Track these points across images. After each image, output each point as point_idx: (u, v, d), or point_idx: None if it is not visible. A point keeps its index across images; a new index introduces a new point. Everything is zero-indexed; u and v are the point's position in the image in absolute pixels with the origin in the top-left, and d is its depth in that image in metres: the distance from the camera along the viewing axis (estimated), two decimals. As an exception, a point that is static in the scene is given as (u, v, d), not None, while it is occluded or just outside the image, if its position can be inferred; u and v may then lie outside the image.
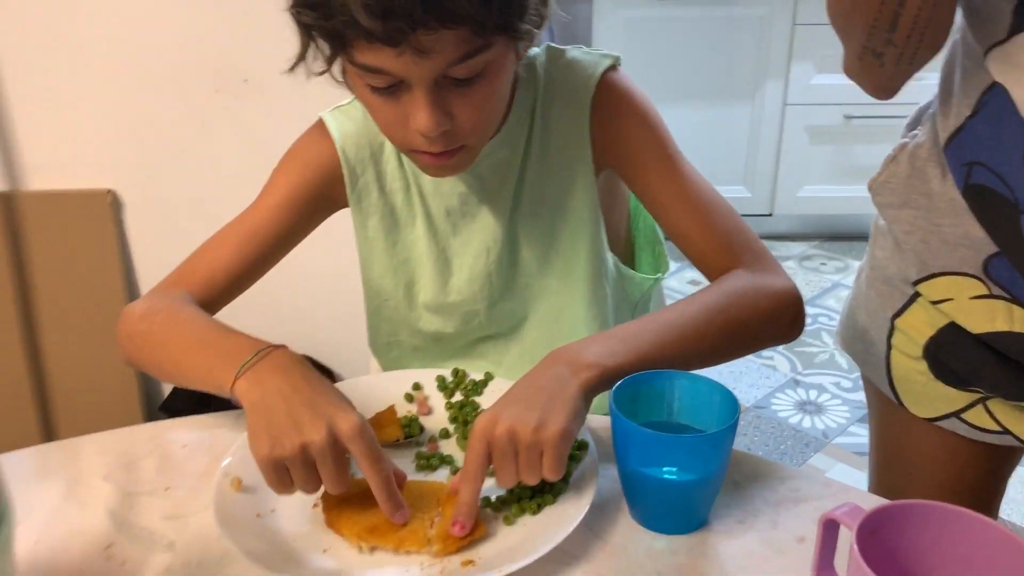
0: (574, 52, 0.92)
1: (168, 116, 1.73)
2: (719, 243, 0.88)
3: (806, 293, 2.99)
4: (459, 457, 0.79)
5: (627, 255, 1.07)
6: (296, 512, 0.72)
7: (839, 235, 3.39)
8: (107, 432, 0.83)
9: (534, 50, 0.92)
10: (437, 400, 0.86)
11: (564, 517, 0.69)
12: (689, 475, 0.66)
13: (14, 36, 1.66)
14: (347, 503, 0.71)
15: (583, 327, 0.97)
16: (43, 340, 1.84)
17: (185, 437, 0.83)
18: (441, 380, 0.88)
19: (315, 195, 0.92)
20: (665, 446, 0.66)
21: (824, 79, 3.08)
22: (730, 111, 3.17)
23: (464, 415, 0.83)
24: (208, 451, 0.81)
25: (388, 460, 0.70)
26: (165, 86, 1.70)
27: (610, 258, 0.98)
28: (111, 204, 1.77)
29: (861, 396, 2.41)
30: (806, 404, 2.40)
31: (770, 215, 3.31)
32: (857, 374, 2.52)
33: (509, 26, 0.74)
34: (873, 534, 0.53)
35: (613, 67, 0.91)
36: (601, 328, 0.97)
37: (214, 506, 0.69)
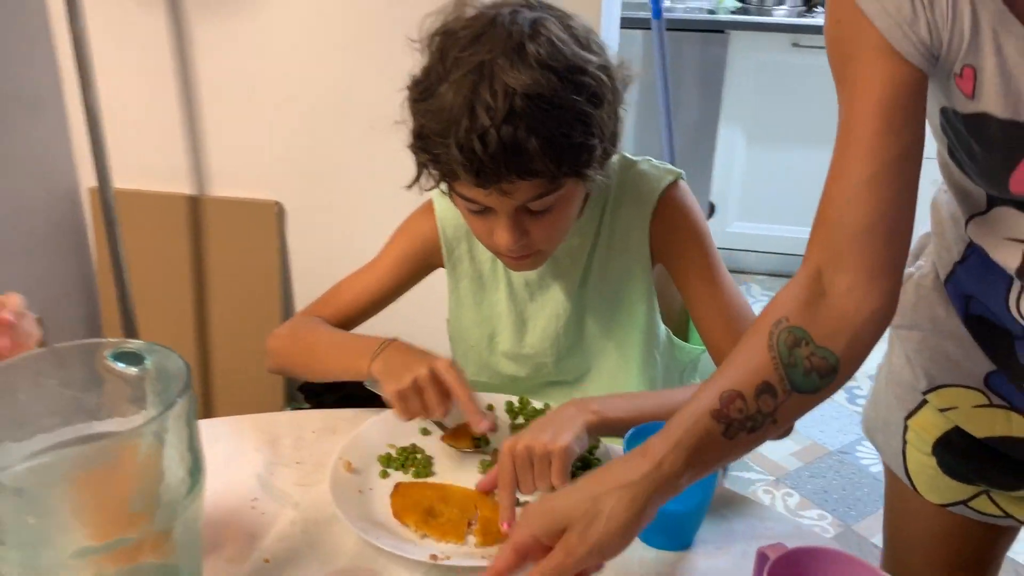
0: (644, 165, 1.12)
1: (330, 144, 2.03)
2: (728, 328, 1.07)
3: (913, 345, 3.03)
4: (514, 467, 1.02)
5: (680, 328, 1.27)
6: (385, 494, 0.97)
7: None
8: (262, 415, 1.11)
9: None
10: (504, 421, 1.10)
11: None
12: (677, 505, 0.86)
13: (212, 71, 2.00)
14: (410, 499, 0.94)
15: (634, 385, 1.18)
16: (211, 325, 2.19)
17: (315, 424, 1.10)
18: (509, 405, 1.11)
19: (418, 261, 1.19)
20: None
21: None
22: (857, 159, 3.23)
23: (523, 435, 1.06)
24: (330, 437, 1.07)
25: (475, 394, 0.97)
26: (330, 119, 2.01)
27: (663, 330, 1.19)
28: (277, 214, 2.09)
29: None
30: (890, 454, 2.48)
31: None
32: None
33: (577, 174, 0.95)
34: (789, 569, 0.72)
35: (675, 182, 1.11)
36: (649, 387, 1.18)
37: (329, 480, 0.95)
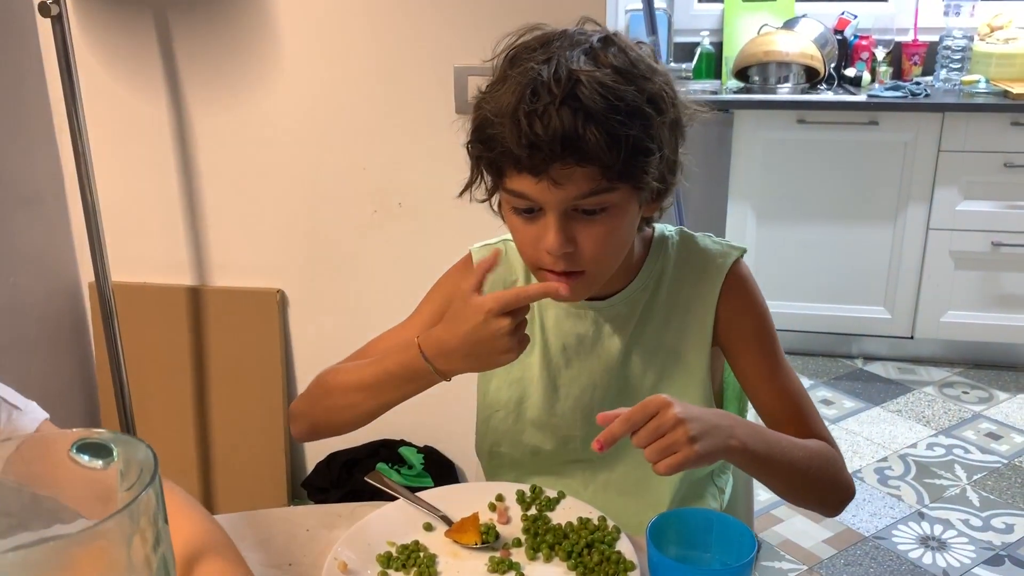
0: (706, 240, 1.09)
1: (333, 230, 2.00)
2: (798, 414, 1.04)
3: (944, 422, 2.92)
4: (527, 565, 0.93)
5: (717, 403, 1.20)
6: (386, 596, 0.88)
7: (984, 363, 3.29)
8: (258, 511, 1.03)
9: (668, 229, 1.09)
10: (515, 512, 1.01)
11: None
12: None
13: (213, 161, 1.99)
14: None
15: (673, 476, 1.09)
16: (211, 417, 2.12)
17: (310, 521, 1.02)
18: (520, 494, 1.02)
19: None
20: (683, 574, 0.78)
21: (970, 205, 3.06)
22: (871, 232, 3.19)
23: (536, 528, 0.97)
24: (326, 535, 0.99)
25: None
26: (331, 205, 1.98)
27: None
28: (279, 302, 2.04)
29: (989, 536, 2.34)
30: (929, 539, 2.35)
31: (911, 338, 3.27)
32: (988, 512, 2.44)
33: (632, 175, 0.91)
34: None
35: (740, 259, 1.07)
36: (687, 479, 1.10)
37: (322, 583, 0.86)
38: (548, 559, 0.94)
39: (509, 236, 1.12)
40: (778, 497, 1.10)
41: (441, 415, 2.07)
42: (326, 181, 1.96)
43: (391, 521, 0.98)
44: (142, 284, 2.06)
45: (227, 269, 2.05)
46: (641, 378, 1.08)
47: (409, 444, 2.07)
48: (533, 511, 1.00)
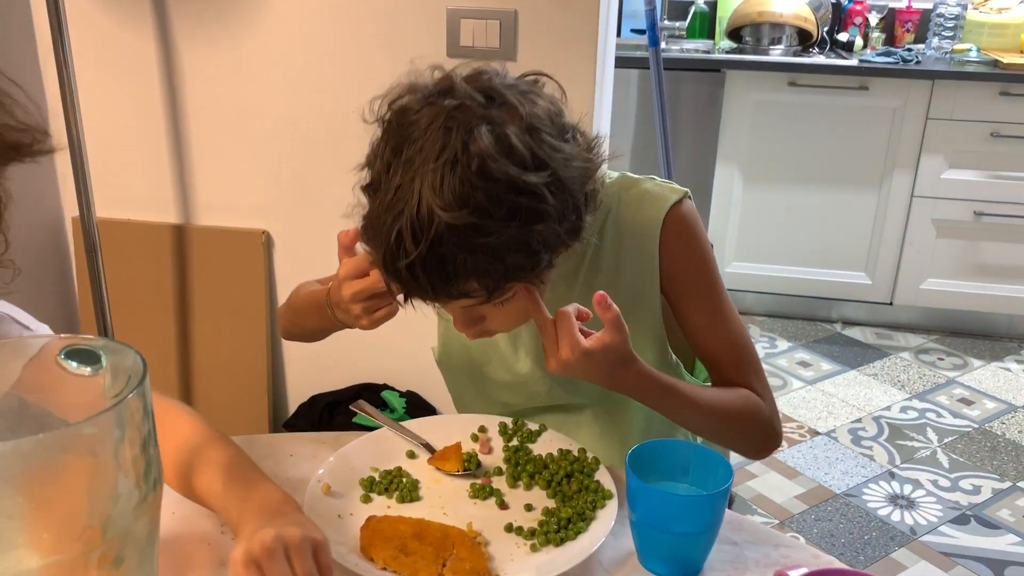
0: (647, 183, 1.06)
1: (320, 173, 1.98)
2: (735, 363, 1.05)
3: (918, 386, 2.97)
4: (508, 492, 0.95)
5: (688, 363, 1.21)
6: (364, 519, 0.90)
7: (960, 331, 3.34)
8: (239, 437, 1.04)
9: (610, 175, 1.06)
10: (497, 443, 1.03)
11: (580, 550, 0.83)
12: (683, 526, 0.79)
13: (201, 98, 1.96)
14: (380, 534, 0.86)
15: (639, 418, 1.11)
16: (195, 356, 2.12)
17: (293, 448, 1.03)
18: (503, 426, 1.04)
19: None
20: (662, 501, 0.80)
21: (955, 174, 3.08)
22: (855, 198, 3.21)
23: (517, 458, 0.99)
24: (309, 461, 1.00)
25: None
26: (320, 148, 1.96)
27: (674, 361, 1.14)
28: (264, 243, 2.04)
29: (957, 496, 2.40)
30: (898, 498, 2.40)
31: (890, 304, 3.31)
32: (957, 474, 2.49)
33: (524, 279, 0.87)
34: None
35: (681, 200, 1.04)
36: (648, 412, 1.12)
37: (305, 503, 0.87)
38: (528, 488, 0.95)
39: None
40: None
41: (425, 360, 2.07)
42: (315, 123, 1.95)
43: (375, 448, 0.99)
44: (126, 220, 2.05)
45: (212, 208, 2.04)
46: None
47: (392, 388, 2.08)
48: (515, 442, 1.02)
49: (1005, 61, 2.99)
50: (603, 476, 0.94)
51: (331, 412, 2.06)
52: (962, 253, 3.20)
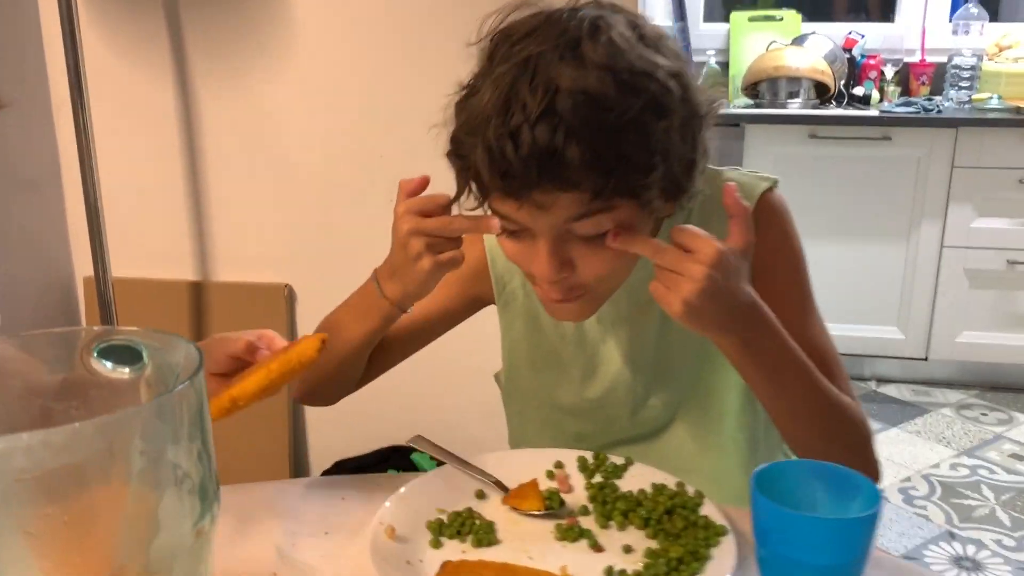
0: (732, 173, 0.97)
1: (345, 221, 1.89)
2: (827, 370, 0.90)
3: (964, 443, 2.82)
4: (599, 533, 0.82)
5: None
6: (437, 565, 0.77)
7: (1001, 385, 3.20)
8: (279, 482, 0.92)
9: None
10: (577, 480, 0.90)
11: (699, 595, 0.70)
12: (832, 558, 0.66)
13: (221, 148, 1.89)
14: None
15: (729, 441, 0.99)
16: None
17: (344, 491, 0.90)
18: (583, 461, 0.91)
19: (465, 288, 1.01)
20: (806, 528, 0.67)
21: (985, 222, 3.00)
22: (883, 251, 3.12)
23: (603, 496, 0.86)
24: (364, 505, 0.87)
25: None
26: (345, 195, 1.88)
27: None
28: (287, 297, 1.93)
29: (1024, 554, 2.24)
30: (962, 559, 2.23)
31: (925, 359, 3.18)
32: (1021, 532, 2.33)
33: (631, 192, 0.77)
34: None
35: (771, 189, 0.95)
36: (747, 444, 0.99)
37: (370, 548, 0.75)
38: (622, 527, 0.82)
39: None
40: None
41: (458, 418, 1.95)
42: (340, 170, 1.87)
43: (439, 488, 0.87)
44: (141, 279, 1.95)
45: (232, 263, 1.94)
46: (682, 337, 0.96)
47: (422, 451, 1.94)
48: (598, 479, 0.89)
49: (1029, 107, 2.95)
50: (710, 510, 0.81)
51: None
52: (997, 303, 3.10)
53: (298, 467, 2.03)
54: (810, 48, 3.25)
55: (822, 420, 0.87)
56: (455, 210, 0.87)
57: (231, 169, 1.90)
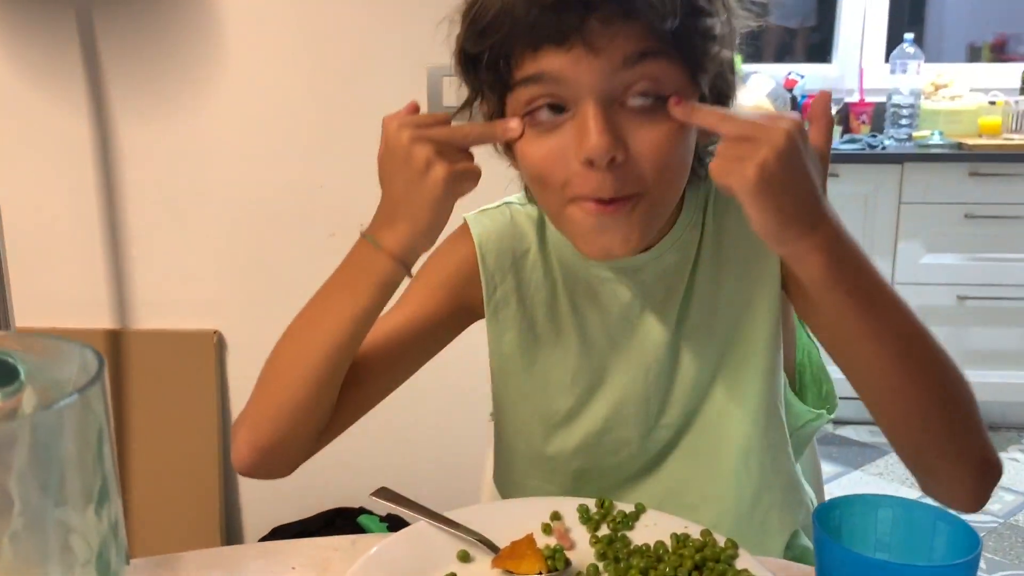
0: None
1: (280, 259, 1.73)
2: None
3: (928, 483, 2.76)
4: (612, 597, 0.67)
5: (791, 379, 0.96)
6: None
7: (958, 422, 3.16)
8: (212, 550, 0.74)
9: None
10: (580, 533, 0.75)
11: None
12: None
13: (141, 182, 1.72)
14: None
15: (744, 465, 0.85)
16: (132, 483, 1.78)
17: (295, 559, 0.73)
18: (584, 510, 0.76)
19: (453, 296, 0.85)
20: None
21: (934, 258, 2.99)
22: (835, 289, 3.08)
23: (615, 551, 0.71)
24: (320, 574, 0.70)
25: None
26: (281, 229, 1.72)
27: (783, 381, 0.87)
28: (216, 345, 1.75)
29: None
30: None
31: (880, 399, 3.13)
32: (996, 573, 2.25)
33: (690, 43, 0.68)
34: None
35: None
36: (772, 463, 0.85)
37: (332, 632, 0.58)
38: (641, 588, 0.67)
39: (513, 198, 0.89)
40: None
41: (409, 476, 1.78)
42: (275, 201, 1.71)
43: (413, 549, 0.70)
44: (50, 328, 1.74)
45: (155, 308, 1.76)
46: (700, 346, 0.83)
47: (370, 512, 1.76)
48: (605, 530, 0.74)
49: (970, 143, 2.98)
50: (748, 562, 0.67)
51: (298, 545, 1.72)
52: (949, 340, 3.00)
53: (231, 534, 1.82)
54: (753, 87, 3.24)
55: (937, 375, 0.71)
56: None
57: (152, 204, 1.73)
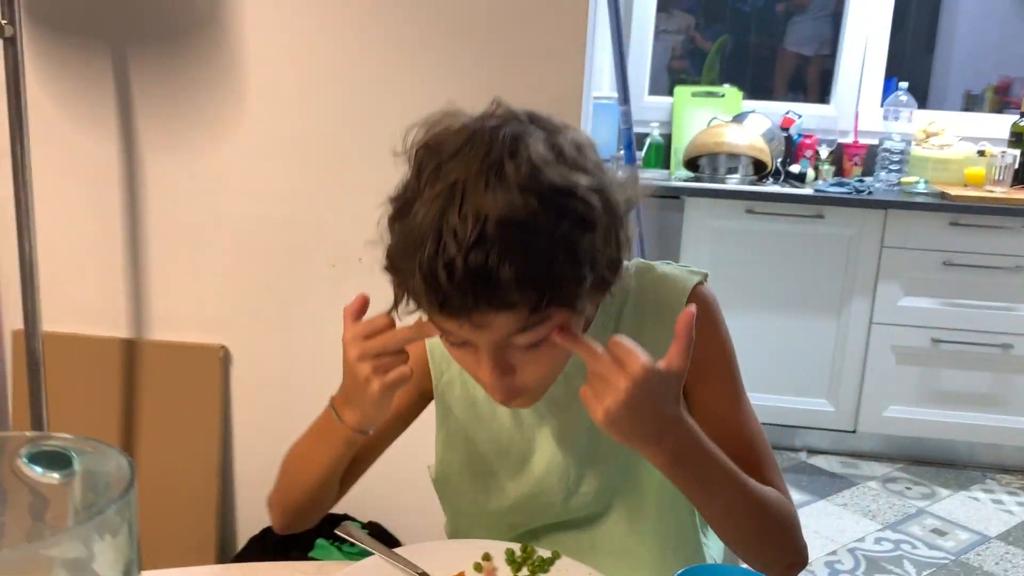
0: (664, 267, 1.01)
1: (284, 284, 1.89)
2: (752, 457, 0.96)
3: (889, 517, 2.89)
4: (523, 630, 0.83)
5: None
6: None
7: (924, 459, 3.30)
8: (199, 568, 0.90)
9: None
10: (505, 573, 0.91)
11: None
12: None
13: (161, 208, 1.88)
14: None
15: (655, 530, 1.01)
16: (137, 480, 1.94)
17: (269, 580, 0.89)
18: (510, 554, 0.92)
19: (412, 388, 1.03)
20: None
21: (911, 301, 3.12)
22: (815, 325, 3.21)
23: (530, 590, 0.87)
24: (291, 596, 0.86)
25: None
26: (286, 257, 1.88)
27: None
28: (222, 359, 1.91)
29: (943, 633, 2.28)
30: (885, 635, 2.28)
31: (853, 431, 3.26)
32: (941, 609, 2.39)
33: (566, 303, 0.80)
34: None
35: (701, 283, 0.99)
36: (675, 533, 1.01)
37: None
38: (548, 626, 0.83)
39: None
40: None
41: (389, 487, 1.93)
42: (282, 232, 1.87)
43: (371, 578, 0.87)
44: (73, 335, 1.91)
45: (167, 322, 1.92)
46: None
47: (352, 519, 1.92)
48: (525, 572, 0.90)
49: (952, 193, 3.09)
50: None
51: (286, 546, 1.88)
52: (922, 380, 3.20)
53: (225, 532, 1.98)
54: (749, 126, 3.37)
55: (752, 520, 0.91)
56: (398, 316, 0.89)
57: (172, 227, 1.89)
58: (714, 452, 0.87)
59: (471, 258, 0.74)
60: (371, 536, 1.87)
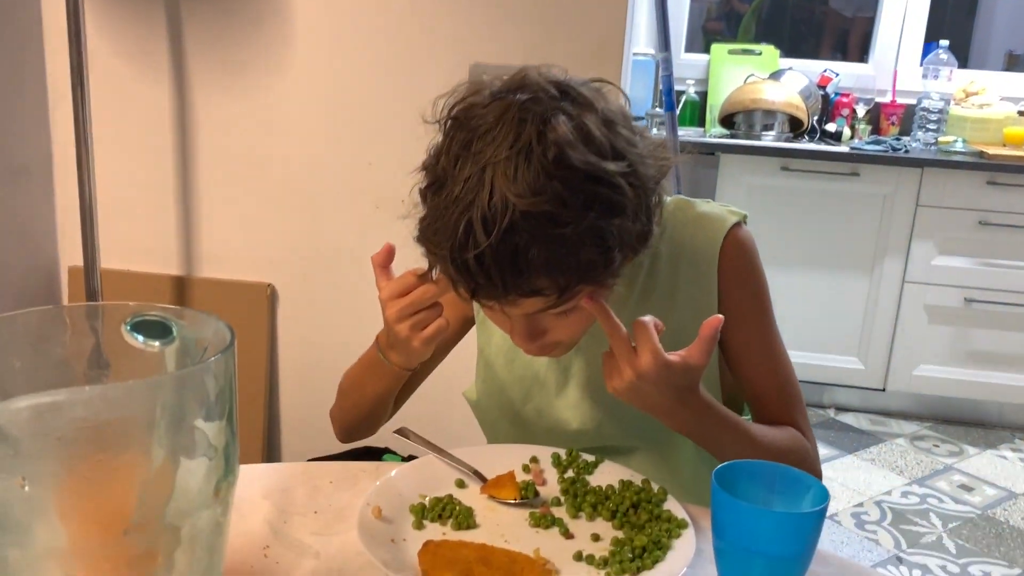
0: (703, 206, 1.02)
1: (331, 225, 1.95)
2: (781, 399, 1.00)
3: (916, 472, 2.92)
4: (569, 522, 0.88)
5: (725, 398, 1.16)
6: (420, 545, 0.82)
7: (953, 419, 3.32)
8: (265, 464, 0.97)
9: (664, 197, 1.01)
10: (551, 474, 0.96)
11: (659, 580, 0.77)
12: (783, 549, 0.73)
13: (213, 149, 1.94)
14: (442, 558, 0.79)
15: (689, 463, 1.05)
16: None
17: (333, 475, 0.96)
18: (556, 457, 0.97)
19: (458, 312, 1.08)
20: (761, 521, 0.74)
21: (945, 260, 3.12)
22: (847, 283, 3.23)
23: (575, 489, 0.92)
24: (350, 487, 0.93)
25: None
26: (332, 199, 1.93)
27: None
28: (269, 297, 1.98)
29: (967, 578, 2.33)
30: (909, 582, 2.32)
31: (883, 390, 3.29)
32: (965, 559, 2.42)
33: (595, 282, 0.83)
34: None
35: (739, 223, 1.01)
36: (704, 465, 1.06)
37: (358, 526, 0.80)
38: (591, 518, 0.89)
39: None
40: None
41: (429, 422, 2.00)
42: (329, 175, 1.92)
43: (422, 475, 0.92)
44: (126, 271, 1.98)
45: (217, 260, 1.99)
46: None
47: (393, 452, 1.99)
48: (570, 474, 0.96)
49: (991, 152, 3.07)
50: (673, 506, 0.88)
51: (329, 477, 1.96)
52: (953, 340, 3.21)
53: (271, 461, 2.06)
54: (786, 83, 3.36)
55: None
56: None
57: (222, 168, 1.95)
58: (728, 417, 0.92)
59: (500, 250, 0.77)
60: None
